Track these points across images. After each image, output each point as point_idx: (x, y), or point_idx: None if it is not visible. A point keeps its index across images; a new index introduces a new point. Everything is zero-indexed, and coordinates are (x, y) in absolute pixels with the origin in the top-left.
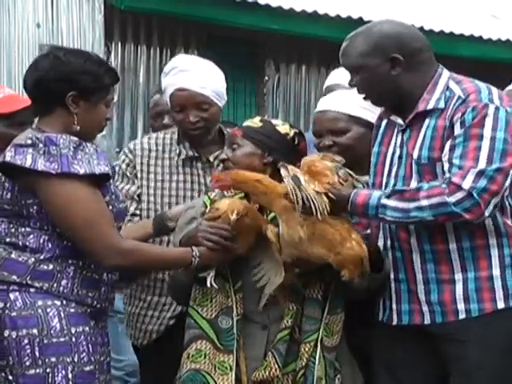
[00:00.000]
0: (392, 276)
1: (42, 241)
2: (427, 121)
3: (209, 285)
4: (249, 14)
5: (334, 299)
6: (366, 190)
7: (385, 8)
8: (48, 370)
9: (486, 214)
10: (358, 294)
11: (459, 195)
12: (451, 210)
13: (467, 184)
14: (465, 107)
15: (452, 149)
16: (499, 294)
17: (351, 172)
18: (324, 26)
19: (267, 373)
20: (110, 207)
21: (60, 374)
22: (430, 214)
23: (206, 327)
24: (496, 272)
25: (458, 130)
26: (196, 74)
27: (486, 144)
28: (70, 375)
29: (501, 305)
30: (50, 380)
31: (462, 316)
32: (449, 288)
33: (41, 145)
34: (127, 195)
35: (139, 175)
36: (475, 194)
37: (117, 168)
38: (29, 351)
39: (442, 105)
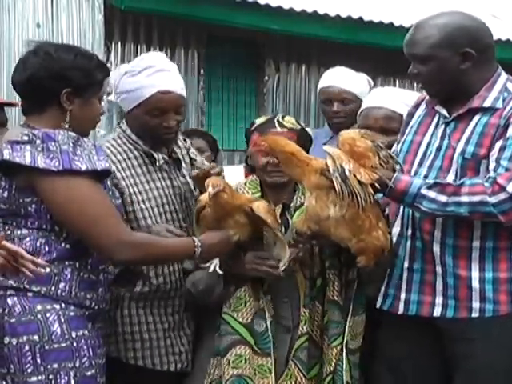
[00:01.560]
0: (406, 265)
1: (38, 244)
2: (478, 117)
3: (211, 270)
4: (249, 13)
5: (356, 300)
6: (406, 176)
7: (385, 8)
8: (50, 377)
9: None
10: (378, 280)
11: (501, 196)
12: (489, 210)
13: (511, 187)
14: None
15: (502, 149)
16: None
17: (391, 153)
18: (324, 26)
19: (293, 382)
20: None
21: (63, 381)
22: (467, 210)
23: (243, 332)
24: None
25: (511, 132)
26: (174, 75)
27: None
28: (72, 381)
29: None
30: None
31: (475, 314)
32: (465, 284)
33: (38, 141)
34: None
35: (124, 183)
36: None
37: None
38: (30, 358)
39: (499, 104)
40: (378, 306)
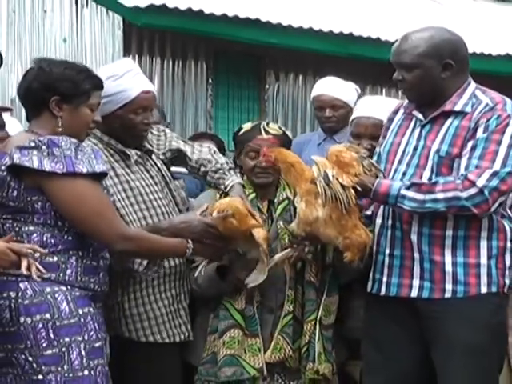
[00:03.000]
0: (387, 251)
1: (45, 238)
2: (450, 120)
3: (197, 274)
4: (251, 29)
5: (331, 283)
6: (387, 180)
7: (373, 24)
8: (63, 350)
9: (492, 209)
10: (351, 275)
11: (472, 191)
12: (462, 204)
13: (481, 182)
14: (491, 114)
15: (473, 149)
16: (484, 280)
17: (374, 162)
18: (318, 41)
19: (282, 354)
20: None
21: (75, 352)
22: (443, 205)
23: (238, 317)
24: (483, 261)
25: (480, 133)
26: (145, 77)
27: (503, 149)
28: (83, 352)
29: (484, 290)
30: (66, 358)
31: (447, 295)
32: (439, 269)
33: (44, 147)
34: None
35: (109, 182)
36: (486, 192)
37: None
38: (44, 334)
39: (468, 109)
40: (368, 290)
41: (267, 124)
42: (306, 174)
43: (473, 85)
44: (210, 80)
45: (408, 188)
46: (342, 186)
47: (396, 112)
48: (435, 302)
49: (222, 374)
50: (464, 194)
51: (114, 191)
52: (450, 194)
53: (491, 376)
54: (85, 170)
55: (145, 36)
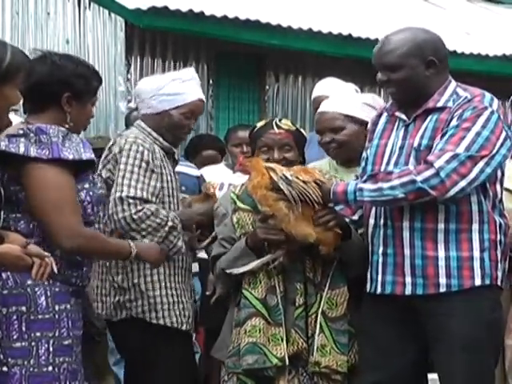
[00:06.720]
0: (380, 250)
1: (31, 226)
2: (431, 116)
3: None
4: (252, 31)
5: (336, 275)
6: (343, 182)
7: (371, 26)
8: (33, 344)
9: (451, 193)
10: (359, 269)
11: (427, 173)
12: (419, 187)
13: (439, 163)
14: (468, 105)
15: (443, 135)
16: (477, 272)
17: (335, 175)
18: (318, 42)
19: (295, 347)
20: (91, 193)
21: (43, 347)
22: (401, 191)
23: (258, 306)
24: (476, 254)
25: (453, 122)
26: None
27: (470, 136)
28: (51, 348)
29: (478, 282)
30: (34, 352)
31: (442, 289)
32: (433, 263)
33: (32, 134)
34: (154, 193)
35: (162, 171)
36: (442, 174)
37: (136, 161)
38: (16, 326)
39: (450, 104)
40: (367, 290)
41: (280, 120)
42: (260, 181)
43: (454, 83)
44: (210, 81)
45: (365, 181)
46: (304, 181)
47: (380, 115)
48: (431, 297)
49: (243, 363)
50: (419, 177)
51: (164, 179)
52: (405, 179)
53: (488, 371)
54: (71, 157)
55: (146, 38)
